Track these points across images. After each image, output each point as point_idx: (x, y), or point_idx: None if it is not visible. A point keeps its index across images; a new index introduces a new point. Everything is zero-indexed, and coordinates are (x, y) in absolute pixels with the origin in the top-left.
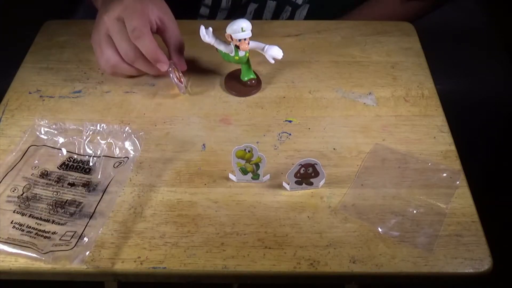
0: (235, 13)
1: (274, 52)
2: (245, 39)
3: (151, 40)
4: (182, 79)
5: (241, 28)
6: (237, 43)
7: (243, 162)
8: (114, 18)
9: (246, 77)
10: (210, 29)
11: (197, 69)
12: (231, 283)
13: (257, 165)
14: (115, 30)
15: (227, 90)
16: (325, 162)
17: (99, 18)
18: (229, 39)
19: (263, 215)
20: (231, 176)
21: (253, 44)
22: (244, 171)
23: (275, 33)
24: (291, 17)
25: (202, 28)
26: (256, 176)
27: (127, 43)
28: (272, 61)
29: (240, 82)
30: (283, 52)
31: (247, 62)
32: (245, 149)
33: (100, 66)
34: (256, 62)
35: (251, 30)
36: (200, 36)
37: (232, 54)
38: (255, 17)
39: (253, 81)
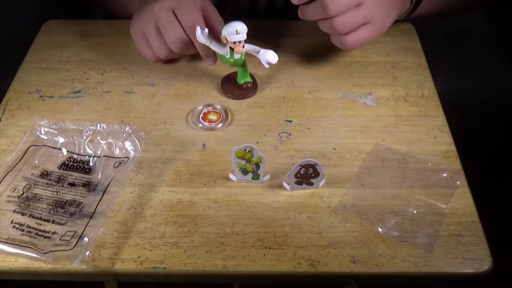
0: (226, 7)
1: (269, 57)
2: (240, 42)
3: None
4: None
5: (235, 30)
6: (232, 46)
7: (243, 162)
8: (166, 9)
9: (242, 80)
10: (206, 30)
11: (196, 69)
12: (231, 283)
13: (257, 165)
14: (167, 21)
15: (223, 93)
16: (325, 162)
17: (148, 8)
18: (225, 41)
19: (263, 215)
20: (231, 176)
21: (248, 47)
22: (244, 171)
23: (275, 33)
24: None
25: (198, 29)
26: (256, 176)
27: (177, 35)
28: (267, 66)
29: (236, 85)
30: (283, 53)
31: (244, 64)
32: (245, 149)
33: (144, 56)
34: (257, 62)
35: (246, 33)
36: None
37: (228, 56)
38: (250, 7)
39: (249, 85)
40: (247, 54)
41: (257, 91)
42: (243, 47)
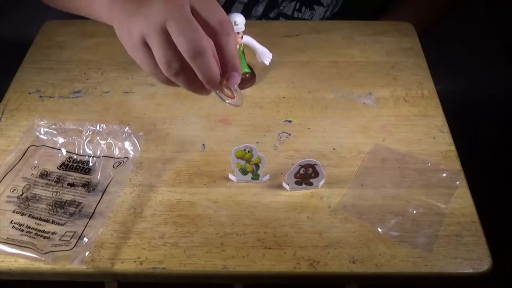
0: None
1: (262, 56)
2: (238, 33)
3: (212, 58)
4: (234, 93)
5: (234, 22)
6: None
7: (243, 162)
8: (158, 28)
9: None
10: None
11: None
12: (231, 284)
13: (256, 165)
14: (159, 42)
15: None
16: (324, 162)
17: (130, 20)
18: None
19: (262, 215)
20: (230, 176)
21: (248, 40)
22: (244, 171)
23: (275, 33)
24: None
25: None
26: (256, 177)
27: (171, 52)
28: (261, 62)
29: None
30: (283, 53)
31: (242, 56)
32: (244, 149)
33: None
34: (256, 61)
35: (245, 25)
36: None
37: None
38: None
39: (247, 75)
40: (246, 46)
41: (254, 82)
42: (241, 38)
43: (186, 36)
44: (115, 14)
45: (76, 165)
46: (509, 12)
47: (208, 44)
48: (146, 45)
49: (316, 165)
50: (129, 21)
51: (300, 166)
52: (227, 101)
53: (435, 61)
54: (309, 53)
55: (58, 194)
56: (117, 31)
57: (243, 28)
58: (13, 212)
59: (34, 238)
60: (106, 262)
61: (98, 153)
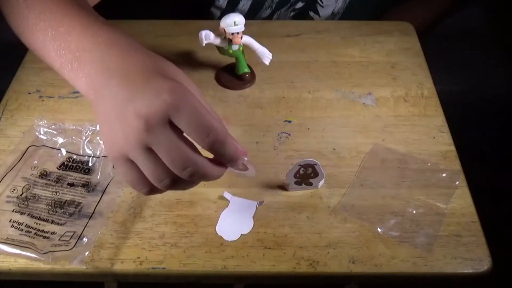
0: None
1: (262, 56)
2: (238, 33)
3: (206, 167)
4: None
5: (233, 22)
6: (230, 37)
7: None
8: (162, 123)
9: (240, 71)
10: (206, 31)
11: (195, 69)
12: (231, 284)
13: None
14: (145, 161)
15: (219, 85)
16: (324, 162)
17: (123, 120)
18: (223, 32)
19: (262, 215)
20: (226, 194)
21: (247, 40)
22: None
23: (275, 33)
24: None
25: (201, 33)
26: None
27: (162, 170)
28: (261, 62)
29: (232, 76)
30: (283, 53)
31: (242, 56)
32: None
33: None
34: (256, 62)
35: (244, 25)
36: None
37: (226, 48)
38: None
39: (247, 76)
40: (245, 46)
41: (254, 82)
42: (241, 38)
43: (174, 162)
44: (97, 118)
45: (76, 165)
46: (509, 12)
47: (199, 159)
48: (128, 160)
49: (316, 165)
50: (111, 133)
51: (299, 166)
52: (243, 172)
53: (435, 61)
54: (309, 53)
55: (57, 194)
56: (100, 132)
57: (243, 28)
58: (13, 211)
59: (34, 238)
60: (105, 262)
61: (98, 153)
